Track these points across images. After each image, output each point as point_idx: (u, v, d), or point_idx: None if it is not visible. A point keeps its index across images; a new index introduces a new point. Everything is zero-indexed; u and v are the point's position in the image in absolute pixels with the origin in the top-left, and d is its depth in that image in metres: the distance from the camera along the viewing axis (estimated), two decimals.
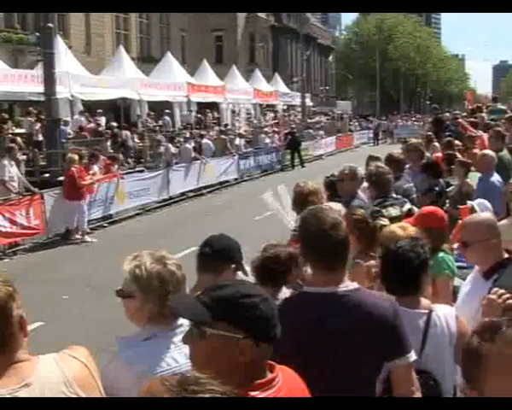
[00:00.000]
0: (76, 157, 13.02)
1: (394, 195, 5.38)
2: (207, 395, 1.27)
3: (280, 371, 1.83)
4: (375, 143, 41.06)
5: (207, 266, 2.90)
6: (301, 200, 4.65)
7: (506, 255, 3.19)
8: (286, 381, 1.82)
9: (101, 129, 20.04)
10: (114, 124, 20.80)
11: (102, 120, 21.17)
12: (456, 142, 9.88)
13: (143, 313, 2.39)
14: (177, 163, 18.49)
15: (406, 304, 2.83)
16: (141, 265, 2.40)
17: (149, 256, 2.44)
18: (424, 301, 2.90)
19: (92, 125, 20.31)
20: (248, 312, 1.74)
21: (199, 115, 27.56)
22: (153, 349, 2.35)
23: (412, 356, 2.41)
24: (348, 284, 2.40)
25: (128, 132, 20.73)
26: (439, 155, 9.04)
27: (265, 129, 28.63)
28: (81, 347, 2.11)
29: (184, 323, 2.39)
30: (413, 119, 52.85)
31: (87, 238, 12.85)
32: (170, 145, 19.07)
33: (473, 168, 7.22)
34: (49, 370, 1.94)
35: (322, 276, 2.40)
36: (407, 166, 7.60)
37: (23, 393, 1.85)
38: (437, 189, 6.86)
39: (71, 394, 1.93)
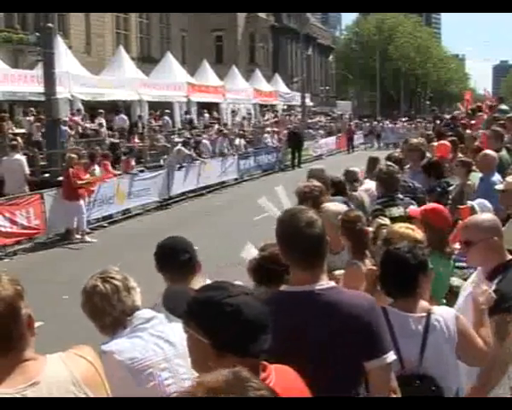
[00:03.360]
0: (74, 156, 13.02)
1: (400, 195, 5.39)
2: (264, 393, 1.34)
3: (274, 371, 1.82)
4: (350, 151, 35.66)
5: (176, 278, 2.96)
6: (310, 197, 4.72)
7: (509, 256, 3.17)
8: (280, 381, 1.81)
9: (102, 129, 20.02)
10: (88, 125, 20.54)
11: (102, 120, 21.12)
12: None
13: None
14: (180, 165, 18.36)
15: (403, 307, 2.79)
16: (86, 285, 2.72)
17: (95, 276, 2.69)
18: (422, 304, 2.86)
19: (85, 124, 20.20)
20: (214, 320, 1.76)
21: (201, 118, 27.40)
22: (136, 341, 2.50)
23: (390, 357, 2.31)
24: (324, 283, 2.37)
25: (107, 131, 20.49)
26: (447, 143, 9.03)
27: (266, 129, 28.63)
28: (87, 346, 2.11)
29: (159, 316, 2.55)
30: (403, 119, 47.57)
31: (87, 238, 12.84)
32: (183, 148, 18.70)
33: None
34: (56, 369, 1.94)
35: (299, 274, 2.39)
36: (407, 166, 7.61)
37: (31, 392, 1.84)
38: (438, 189, 6.84)
39: (79, 393, 1.93)
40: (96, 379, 2.00)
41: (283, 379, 1.84)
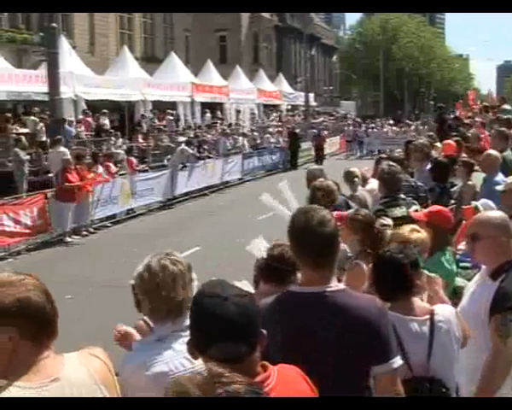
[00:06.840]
0: (68, 159, 13.05)
1: (403, 195, 5.38)
2: (237, 386, 1.37)
3: (276, 373, 1.80)
4: (319, 161, 25.87)
5: None
6: (318, 195, 4.73)
7: None
8: (281, 382, 1.79)
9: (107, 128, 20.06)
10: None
11: (106, 121, 21.15)
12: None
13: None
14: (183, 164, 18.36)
15: (403, 309, 2.76)
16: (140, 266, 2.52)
17: (149, 257, 2.53)
18: (423, 305, 2.85)
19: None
20: (190, 317, 1.89)
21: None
22: (166, 352, 2.40)
23: (396, 362, 2.28)
24: (333, 285, 2.34)
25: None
26: (452, 142, 8.99)
27: (269, 129, 28.61)
28: (97, 347, 2.13)
29: None
30: (390, 122, 41.65)
31: (67, 239, 12.80)
32: (186, 147, 18.58)
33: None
34: (75, 368, 1.95)
35: (308, 274, 2.36)
36: (414, 168, 7.57)
37: (53, 387, 1.85)
38: (438, 190, 6.79)
39: (97, 391, 1.95)
40: (109, 378, 2.03)
41: (285, 381, 1.82)
